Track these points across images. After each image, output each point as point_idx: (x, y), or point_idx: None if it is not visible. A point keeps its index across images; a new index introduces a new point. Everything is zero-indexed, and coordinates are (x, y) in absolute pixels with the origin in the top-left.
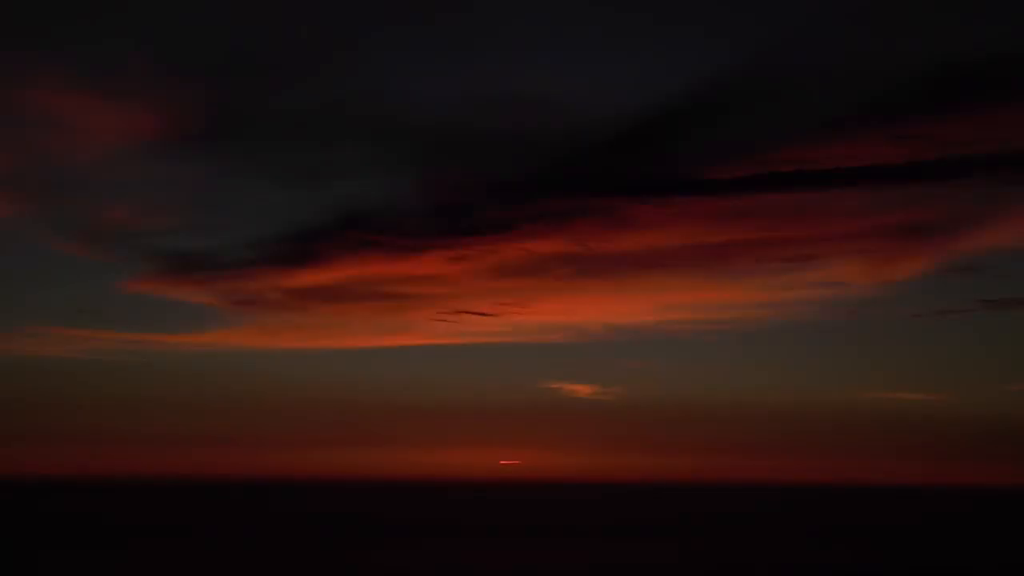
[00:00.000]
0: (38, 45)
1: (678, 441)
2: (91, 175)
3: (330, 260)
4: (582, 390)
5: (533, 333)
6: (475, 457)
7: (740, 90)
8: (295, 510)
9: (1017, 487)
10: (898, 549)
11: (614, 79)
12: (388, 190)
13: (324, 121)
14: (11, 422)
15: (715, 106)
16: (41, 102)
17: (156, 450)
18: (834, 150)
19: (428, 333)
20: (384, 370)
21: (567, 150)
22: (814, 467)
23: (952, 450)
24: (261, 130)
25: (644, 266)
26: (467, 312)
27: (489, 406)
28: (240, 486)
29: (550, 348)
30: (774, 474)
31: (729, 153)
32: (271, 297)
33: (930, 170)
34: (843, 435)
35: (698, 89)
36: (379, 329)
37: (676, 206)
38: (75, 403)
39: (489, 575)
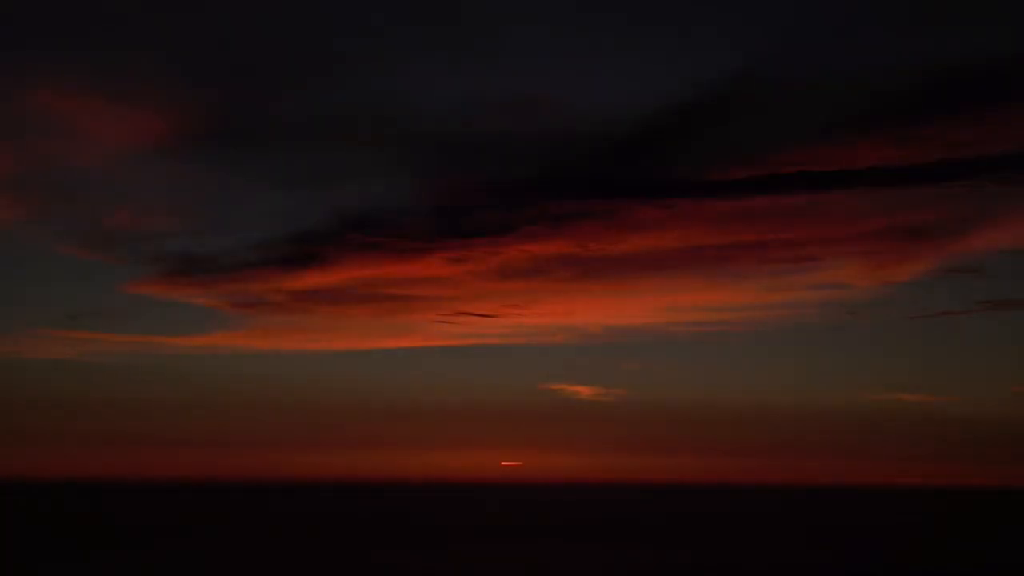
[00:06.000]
0: (41, 48)
1: (679, 442)
2: (94, 178)
3: (332, 262)
4: (583, 391)
5: (534, 335)
6: (476, 458)
7: (742, 92)
8: (297, 511)
9: (1018, 488)
10: (898, 549)
11: (616, 81)
12: (390, 192)
13: (326, 124)
14: (12, 424)
15: (717, 108)
16: (44, 105)
17: (158, 452)
18: (835, 152)
19: (429, 335)
20: (385, 372)
21: (568, 152)
22: (815, 468)
23: (953, 451)
24: (264, 133)
25: (645, 268)
26: (468, 314)
27: (490, 407)
28: (242, 488)
29: (551, 349)
30: (775, 475)
31: (731, 155)
32: (273, 299)
33: (931, 172)
34: (844, 436)
35: (700, 91)
36: (381, 331)
37: (677, 208)
38: (77, 405)
39: None
